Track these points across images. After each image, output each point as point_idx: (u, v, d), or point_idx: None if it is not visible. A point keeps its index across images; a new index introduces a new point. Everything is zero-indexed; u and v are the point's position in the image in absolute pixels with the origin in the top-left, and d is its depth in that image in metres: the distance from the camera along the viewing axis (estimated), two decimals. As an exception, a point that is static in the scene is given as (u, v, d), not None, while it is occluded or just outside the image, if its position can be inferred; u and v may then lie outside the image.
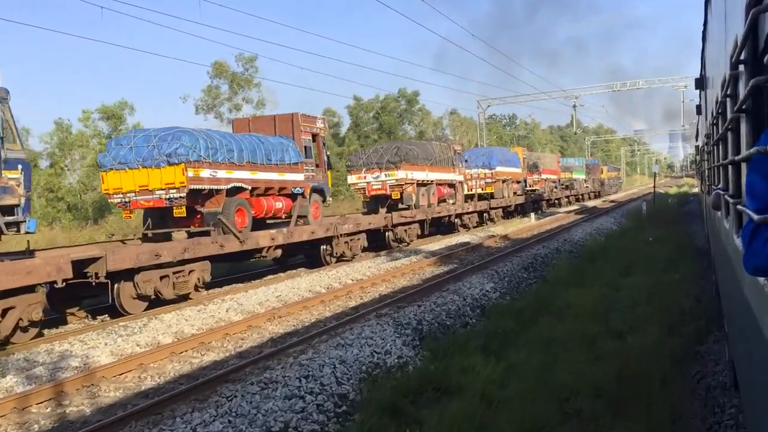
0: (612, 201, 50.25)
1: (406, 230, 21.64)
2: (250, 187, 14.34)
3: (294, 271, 17.47)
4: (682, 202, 45.22)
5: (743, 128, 2.71)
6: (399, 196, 22.79)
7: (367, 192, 22.84)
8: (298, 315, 10.66)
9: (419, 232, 22.95)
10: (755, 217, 1.78)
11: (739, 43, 2.50)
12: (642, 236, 22.77)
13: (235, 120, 16.67)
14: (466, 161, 30.42)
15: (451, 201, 27.54)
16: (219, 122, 39.80)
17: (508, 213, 35.80)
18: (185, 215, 13.04)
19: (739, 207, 2.57)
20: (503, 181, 33.47)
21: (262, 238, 14.15)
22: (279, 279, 15.20)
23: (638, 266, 15.28)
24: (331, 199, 18.18)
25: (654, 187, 35.11)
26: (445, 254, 17.68)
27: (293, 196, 15.96)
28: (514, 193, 35.88)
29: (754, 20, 2.15)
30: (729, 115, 3.33)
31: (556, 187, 45.55)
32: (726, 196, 3.75)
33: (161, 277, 11.55)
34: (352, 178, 22.97)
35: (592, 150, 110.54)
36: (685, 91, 39.58)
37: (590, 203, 49.66)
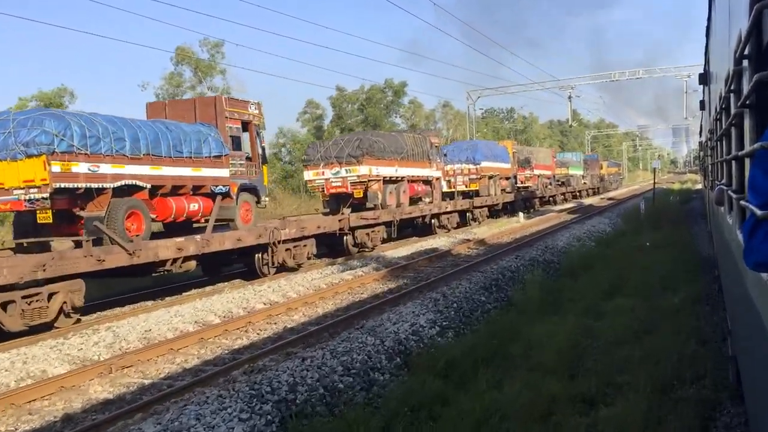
0: (610, 198, 47.44)
1: (368, 234, 18.91)
2: (149, 186, 11.61)
3: (224, 284, 14.79)
4: (685, 199, 42.42)
5: (747, 123, 2.70)
6: (362, 195, 20.05)
7: (325, 190, 20.09)
8: (144, 368, 7.86)
9: (386, 236, 20.23)
10: (758, 212, 1.80)
11: (743, 39, 2.53)
12: (638, 241, 20.04)
13: (149, 104, 13.94)
14: (445, 155, 27.65)
15: (427, 200, 24.79)
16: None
17: (496, 212, 33.08)
18: (52, 221, 10.31)
19: (742, 203, 2.46)
20: (490, 178, 30.70)
21: (164, 249, 11.42)
22: (190, 298, 12.46)
23: (629, 283, 12.54)
24: (267, 199, 15.45)
25: (654, 183, 32.29)
26: (402, 264, 14.95)
27: (214, 196, 13.24)
28: (503, 191, 33.11)
29: (758, 15, 2.17)
30: (733, 111, 3.34)
31: (550, 184, 42.75)
32: (729, 192, 3.72)
33: (3, 304, 8.86)
34: (308, 175, 20.21)
35: (593, 145, 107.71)
36: (688, 81, 36.72)
37: (587, 201, 46.86)
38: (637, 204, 36.61)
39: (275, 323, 9.54)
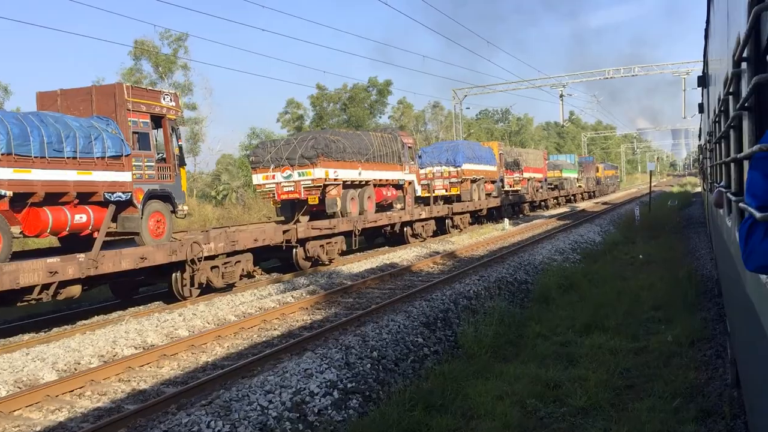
0: (606, 203, 45.10)
1: (323, 246, 16.56)
2: (9, 193, 9.26)
3: (138, 308, 12.46)
4: (684, 202, 40.09)
5: (746, 126, 2.75)
6: (319, 201, 17.69)
7: (276, 196, 17.74)
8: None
9: (355, 246, 17.87)
10: (757, 214, 1.80)
11: (741, 41, 2.53)
12: (630, 253, 17.73)
13: (39, 93, 11.59)
14: (420, 157, 25.33)
15: (398, 206, 22.44)
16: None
17: (482, 218, 30.75)
18: None
19: (741, 205, 2.54)
20: (473, 181, 28.35)
21: (28, 273, 9.06)
22: (63, 335, 10.03)
23: (613, 311, 10.21)
24: (186, 208, 13.07)
25: (650, 187, 29.91)
26: (345, 286, 12.52)
27: (109, 205, 10.87)
28: (488, 195, 30.77)
29: (756, 18, 2.17)
30: (731, 113, 3.35)
31: (541, 188, 40.42)
32: (728, 194, 3.71)
33: None
34: (257, 178, 17.83)
35: (591, 147, 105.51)
36: (687, 78, 34.41)
37: (581, 205, 44.52)
38: (632, 209, 34.35)
39: (104, 392, 6.93)
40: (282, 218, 18.99)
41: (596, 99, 43.29)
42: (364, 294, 11.81)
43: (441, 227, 25.55)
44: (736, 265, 3.61)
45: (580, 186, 53.17)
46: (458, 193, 27.49)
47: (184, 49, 32.25)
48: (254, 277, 15.39)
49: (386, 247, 21.83)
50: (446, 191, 27.41)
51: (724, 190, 4.09)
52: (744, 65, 2.67)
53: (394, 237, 21.92)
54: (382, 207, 21.93)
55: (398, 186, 21.95)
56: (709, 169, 9.94)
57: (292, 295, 12.06)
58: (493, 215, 31.15)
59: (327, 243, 16.79)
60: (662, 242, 19.82)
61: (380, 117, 45.54)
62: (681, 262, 15.31)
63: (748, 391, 3.75)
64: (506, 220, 27.99)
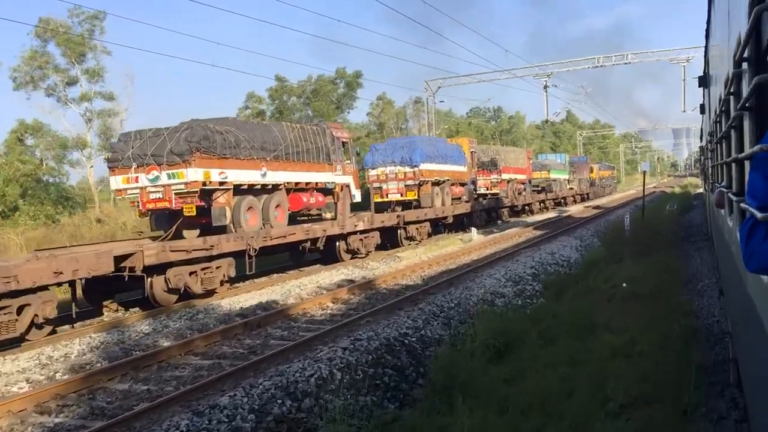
0: (597, 207, 40.66)
1: (194, 274, 12.21)
2: None
3: None
4: (684, 206, 35.69)
5: (746, 126, 2.73)
6: (195, 212, 13.32)
7: (141, 205, 13.35)
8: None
9: (232, 273, 13.45)
10: (758, 214, 1.79)
11: (742, 41, 2.52)
12: (611, 280, 13.38)
13: None
14: (358, 154, 21.00)
15: (328, 215, 18.07)
16: (55, 101, 29.94)
17: (450, 226, 26.40)
18: None
19: (742, 205, 2.54)
20: (435, 184, 23.97)
21: None
22: None
23: (567, 400, 5.94)
24: None
25: (644, 191, 25.39)
26: (144, 355, 8.21)
27: None
28: (456, 200, 26.42)
29: (757, 18, 2.18)
30: (732, 113, 3.37)
31: (525, 190, 36.01)
32: (729, 194, 3.73)
33: None
34: (116, 182, 13.39)
35: (588, 147, 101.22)
36: (687, 66, 30.01)
37: (571, 209, 40.10)
38: (625, 215, 29.95)
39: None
40: (160, 233, 14.62)
41: (584, 90, 38.68)
42: (185, 366, 7.41)
43: (393, 239, 21.24)
44: (737, 265, 3.60)
45: (571, 188, 48.74)
46: (416, 197, 23.11)
47: (99, 29, 27.85)
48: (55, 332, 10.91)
49: (318, 265, 17.53)
50: (402, 195, 23.04)
51: (725, 190, 4.08)
52: (745, 65, 2.69)
53: (331, 254, 17.62)
54: (311, 218, 17.58)
55: (327, 191, 17.58)
56: (710, 169, 9.80)
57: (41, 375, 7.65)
58: (464, 222, 26.79)
59: (205, 270, 12.44)
60: (655, 261, 15.45)
61: (348, 112, 41.13)
62: (677, 299, 10.95)
63: (750, 392, 3.76)
64: (474, 230, 23.59)
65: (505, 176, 32.30)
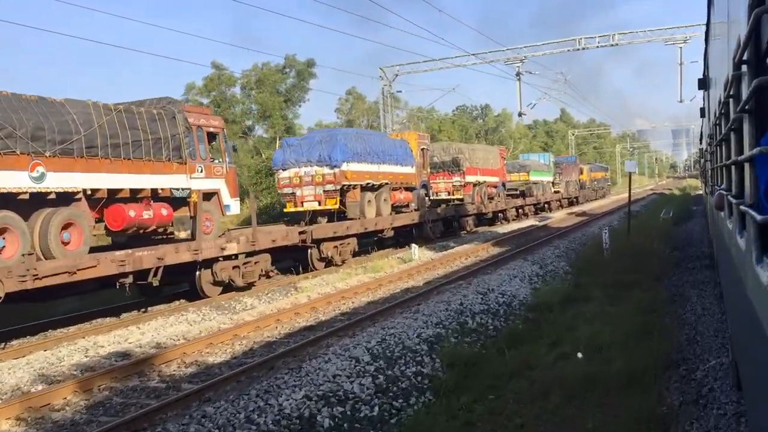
0: (583, 213, 35.55)
1: None
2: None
3: None
4: (681, 213, 30.67)
5: (746, 128, 2.71)
6: None
7: None
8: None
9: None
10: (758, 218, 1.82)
11: (741, 44, 2.52)
12: (561, 342, 8.39)
13: None
14: (235, 150, 16.02)
15: (182, 233, 12.97)
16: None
17: (395, 240, 21.39)
18: None
19: (742, 208, 2.61)
20: (368, 188, 18.95)
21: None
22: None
23: None
24: None
25: (629, 197, 20.18)
26: None
27: None
28: (400, 208, 21.40)
29: (756, 21, 2.18)
30: (732, 116, 3.36)
31: (497, 195, 30.93)
32: (729, 197, 3.75)
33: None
34: None
35: (583, 148, 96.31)
36: (684, 49, 24.93)
37: (554, 215, 35.01)
38: (611, 224, 24.92)
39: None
40: None
41: (563, 77, 33.40)
42: None
43: (305, 261, 16.27)
44: (737, 267, 3.63)
45: (557, 191, 43.65)
46: (336, 206, 18.05)
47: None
48: None
49: (180, 301, 12.54)
50: (320, 204, 17.97)
51: (725, 192, 4.08)
52: (744, 68, 2.68)
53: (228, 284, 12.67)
54: (138, 237, 12.48)
55: (177, 200, 12.51)
56: (709, 172, 9.72)
57: None
58: (413, 234, 21.75)
59: None
60: (635, 301, 10.47)
61: (299, 106, 36.01)
62: (656, 412, 5.91)
63: (750, 394, 3.80)
64: (415, 248, 18.53)
65: (470, 178, 27.22)
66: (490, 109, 73.23)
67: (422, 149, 23.25)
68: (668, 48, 25.28)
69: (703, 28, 8.44)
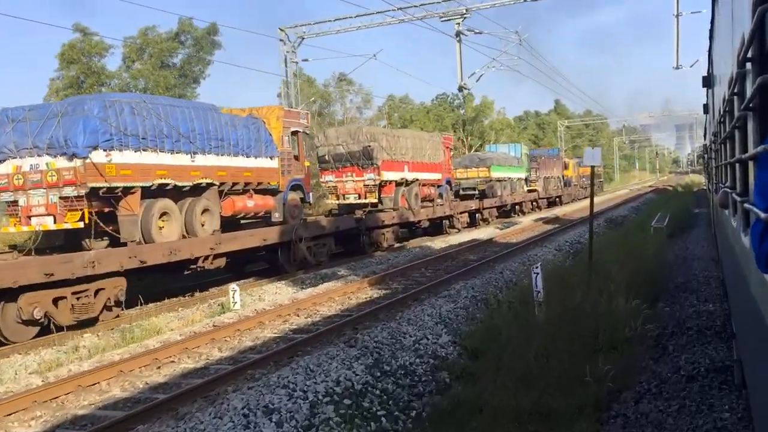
0: (553, 219, 27.91)
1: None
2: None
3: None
4: (680, 218, 23.29)
5: (750, 126, 2.69)
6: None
7: None
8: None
9: None
10: (762, 215, 1.75)
11: (746, 41, 2.49)
12: None
13: None
14: None
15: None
16: None
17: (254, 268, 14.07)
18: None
19: (746, 206, 2.53)
20: (164, 193, 11.55)
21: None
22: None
23: None
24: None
25: (591, 207, 12.38)
26: None
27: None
28: (237, 219, 14.00)
29: (761, 18, 2.16)
30: (736, 114, 3.31)
31: (440, 197, 23.41)
32: (733, 195, 3.66)
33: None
34: None
35: (577, 142, 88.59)
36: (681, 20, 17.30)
37: (522, 221, 27.42)
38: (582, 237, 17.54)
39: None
40: None
41: (518, 37, 25.38)
42: None
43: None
44: (742, 266, 3.54)
45: (533, 189, 36.11)
46: (80, 225, 10.55)
47: None
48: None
49: None
50: (56, 221, 10.48)
51: (729, 190, 4.02)
52: (749, 65, 2.65)
53: None
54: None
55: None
56: (714, 169, 9.86)
57: None
58: (280, 261, 14.37)
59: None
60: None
61: (197, 86, 28.35)
62: None
63: (755, 393, 3.74)
64: (233, 291, 11.05)
65: (391, 175, 19.76)
66: (472, 96, 65.38)
67: (294, 132, 15.69)
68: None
69: (708, 25, 8.37)
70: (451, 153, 24.55)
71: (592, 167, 12.19)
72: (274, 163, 14.40)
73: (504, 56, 24.13)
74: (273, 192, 14.59)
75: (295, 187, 15.30)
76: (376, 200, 19.35)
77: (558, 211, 34.11)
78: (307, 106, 43.44)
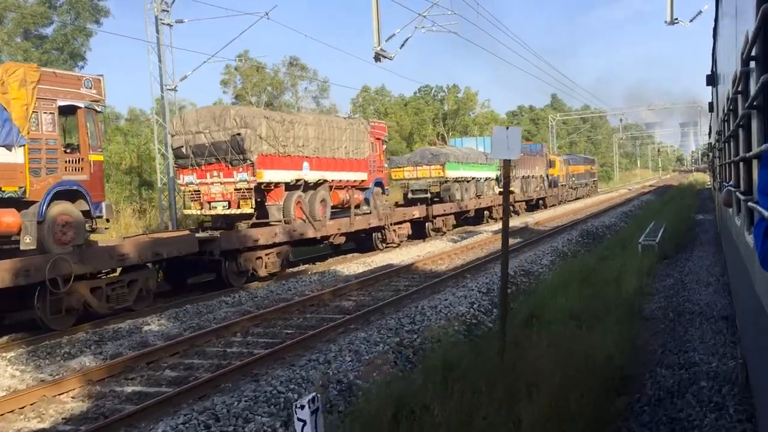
0: (522, 228, 22.17)
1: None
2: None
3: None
4: (679, 230, 17.63)
5: (754, 125, 2.66)
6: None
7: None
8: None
9: None
10: (766, 214, 1.71)
11: (750, 40, 2.47)
12: None
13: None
14: None
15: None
16: None
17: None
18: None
19: (750, 204, 2.53)
20: None
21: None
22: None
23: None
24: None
25: (505, 241, 6.91)
26: None
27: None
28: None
29: (764, 16, 2.13)
30: (740, 112, 3.29)
31: (366, 204, 17.66)
32: (737, 193, 3.60)
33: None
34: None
35: (574, 138, 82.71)
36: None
37: (483, 231, 21.71)
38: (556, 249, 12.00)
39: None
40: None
41: (456, 16, 19.33)
42: None
43: None
44: (746, 264, 3.46)
45: (515, 191, 30.31)
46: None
47: None
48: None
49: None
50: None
51: (733, 189, 3.91)
52: (752, 64, 2.61)
53: None
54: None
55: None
56: (718, 168, 9.63)
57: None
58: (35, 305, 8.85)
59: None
60: None
61: (83, 65, 22.64)
62: None
63: (758, 392, 3.65)
64: None
65: (273, 175, 14.03)
66: (458, 88, 59.43)
67: (67, 108, 9.95)
68: None
69: (712, 23, 8.36)
70: (384, 146, 18.76)
71: (506, 162, 6.49)
72: (13, 157, 8.76)
73: (437, 12, 18.33)
74: (17, 203, 8.96)
75: (65, 195, 9.63)
76: (251, 210, 13.66)
77: (537, 216, 28.36)
78: (256, 95, 37.82)
